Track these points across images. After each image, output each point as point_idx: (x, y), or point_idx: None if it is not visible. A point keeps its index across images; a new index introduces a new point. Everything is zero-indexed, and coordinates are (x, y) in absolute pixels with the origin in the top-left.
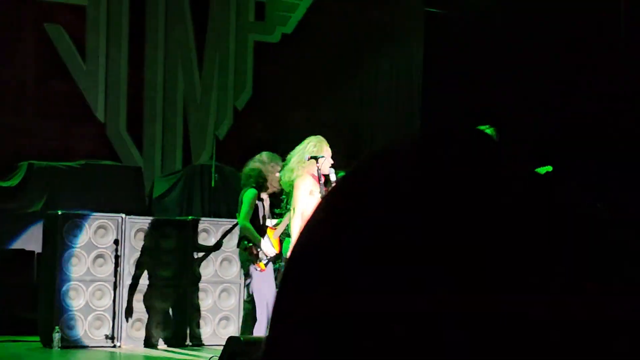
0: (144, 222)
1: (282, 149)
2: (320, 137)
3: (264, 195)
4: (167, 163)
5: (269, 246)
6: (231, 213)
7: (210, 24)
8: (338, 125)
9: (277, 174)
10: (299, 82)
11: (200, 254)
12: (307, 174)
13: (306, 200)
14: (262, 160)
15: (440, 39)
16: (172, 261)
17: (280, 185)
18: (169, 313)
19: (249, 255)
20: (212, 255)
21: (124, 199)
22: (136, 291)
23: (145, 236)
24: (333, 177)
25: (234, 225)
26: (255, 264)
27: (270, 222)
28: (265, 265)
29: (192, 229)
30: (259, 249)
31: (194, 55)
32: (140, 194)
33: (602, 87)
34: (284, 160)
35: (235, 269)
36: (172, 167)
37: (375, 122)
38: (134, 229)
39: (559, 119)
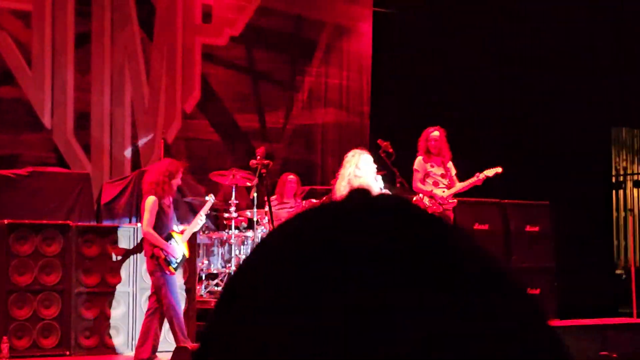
0: (92, 229)
1: (231, 152)
2: (357, 150)
3: (167, 201)
4: (116, 168)
5: (177, 249)
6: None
7: (156, 27)
8: (287, 127)
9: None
10: (247, 84)
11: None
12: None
13: None
14: (158, 167)
15: (389, 39)
16: (121, 267)
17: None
18: (120, 319)
19: (157, 261)
20: None
21: (72, 206)
22: (85, 299)
23: (93, 243)
24: (381, 184)
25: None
26: (165, 269)
27: (177, 228)
28: (175, 269)
29: (141, 235)
30: (166, 254)
31: (141, 58)
32: (89, 200)
33: (545, 86)
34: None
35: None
36: (121, 172)
37: (325, 123)
38: (82, 236)
39: (505, 118)
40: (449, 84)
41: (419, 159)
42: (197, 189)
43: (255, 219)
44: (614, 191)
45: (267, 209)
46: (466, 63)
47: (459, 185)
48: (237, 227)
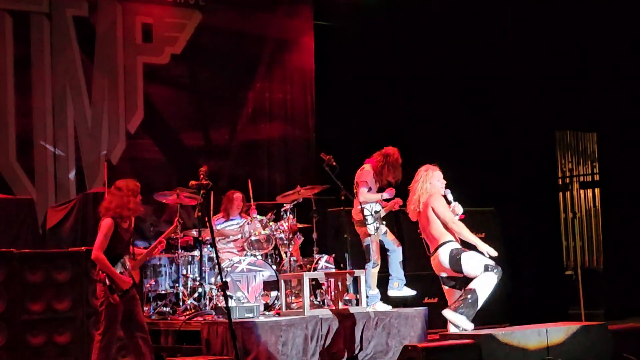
0: (36, 255)
1: (177, 171)
2: (429, 167)
3: (126, 224)
4: (61, 192)
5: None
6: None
7: (97, 48)
8: (232, 143)
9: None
10: (191, 102)
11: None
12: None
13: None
14: (119, 188)
15: (331, 52)
16: (67, 293)
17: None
18: (66, 346)
19: (103, 286)
20: None
21: (17, 232)
22: (31, 326)
23: (38, 269)
24: (450, 197)
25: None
26: (110, 297)
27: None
28: (120, 297)
29: (86, 260)
30: (112, 281)
31: (82, 80)
32: (34, 225)
33: (488, 91)
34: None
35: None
36: (66, 196)
37: (270, 137)
38: (27, 263)
39: (448, 124)
40: (391, 94)
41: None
42: (143, 209)
43: (200, 239)
44: (560, 193)
45: (210, 229)
46: (408, 72)
47: None
48: (183, 247)
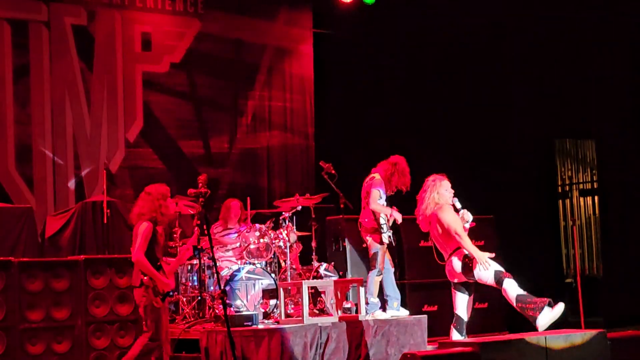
0: (35, 263)
1: (177, 179)
2: (437, 176)
3: (160, 229)
4: (60, 200)
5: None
6: (125, 248)
7: (96, 57)
8: (231, 152)
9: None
10: (190, 110)
11: (94, 293)
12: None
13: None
14: (149, 192)
15: (330, 60)
16: (66, 302)
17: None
18: (65, 355)
19: (145, 290)
20: (106, 293)
21: (16, 240)
22: (30, 334)
23: (37, 278)
24: (458, 205)
25: (128, 261)
26: (153, 299)
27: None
28: (162, 300)
29: (85, 268)
30: (154, 284)
31: (81, 88)
32: (33, 234)
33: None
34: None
35: (131, 306)
36: (65, 204)
37: (270, 145)
38: (25, 272)
39: (448, 132)
40: (391, 102)
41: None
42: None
43: (199, 247)
44: (560, 201)
45: (208, 237)
46: (408, 80)
47: None
48: None
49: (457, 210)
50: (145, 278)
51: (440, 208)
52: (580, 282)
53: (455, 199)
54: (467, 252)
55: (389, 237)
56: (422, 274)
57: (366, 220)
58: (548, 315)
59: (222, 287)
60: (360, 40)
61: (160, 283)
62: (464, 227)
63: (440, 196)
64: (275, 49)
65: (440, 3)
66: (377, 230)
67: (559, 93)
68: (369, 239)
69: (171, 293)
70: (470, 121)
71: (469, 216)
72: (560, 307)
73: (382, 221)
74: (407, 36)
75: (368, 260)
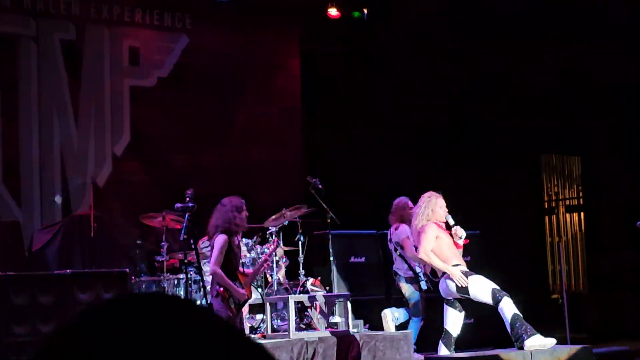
0: (22, 277)
1: (164, 193)
2: (433, 194)
3: (236, 241)
4: (47, 215)
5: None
6: (112, 264)
7: (84, 71)
8: (220, 167)
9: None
10: (179, 124)
11: (81, 307)
12: (432, 222)
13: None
14: (223, 204)
15: (318, 75)
16: (52, 316)
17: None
18: None
19: (221, 301)
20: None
21: (2, 254)
22: (17, 349)
23: (23, 292)
24: (451, 222)
25: (116, 275)
26: (228, 309)
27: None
28: (237, 310)
29: (72, 282)
30: (230, 295)
31: (69, 103)
32: (20, 248)
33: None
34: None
35: None
36: (52, 218)
37: (258, 160)
38: (12, 286)
39: (436, 149)
40: (378, 119)
41: (407, 228)
42: (128, 232)
43: (186, 261)
44: (546, 217)
45: (195, 252)
46: (395, 97)
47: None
48: (168, 270)
49: (450, 227)
50: (221, 289)
51: (425, 225)
52: (566, 297)
53: (449, 216)
54: (461, 271)
55: (427, 282)
56: None
57: (402, 269)
58: (539, 340)
59: (207, 302)
60: (348, 55)
61: (237, 293)
62: (456, 244)
63: (434, 213)
64: (263, 64)
65: (430, 17)
66: (414, 279)
67: (546, 109)
68: (409, 288)
69: (244, 303)
70: (458, 137)
71: (462, 232)
72: (552, 340)
73: (418, 270)
74: (395, 51)
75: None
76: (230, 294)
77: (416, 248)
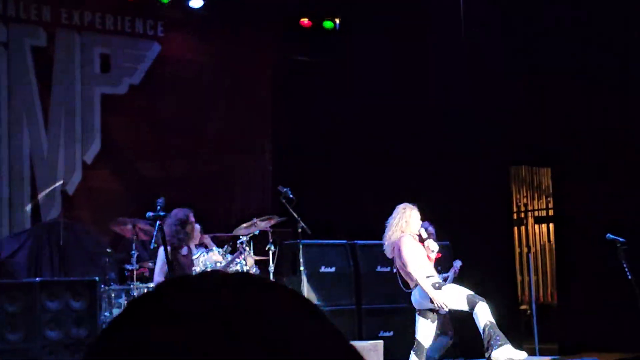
0: None
1: (134, 202)
2: (408, 205)
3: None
4: (17, 222)
5: None
6: (82, 272)
7: (54, 77)
8: (191, 176)
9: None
10: (149, 132)
11: (49, 316)
12: (408, 234)
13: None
14: (170, 216)
15: (290, 84)
16: (20, 324)
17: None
18: None
19: None
20: (61, 317)
21: None
22: None
23: None
24: (424, 235)
25: (85, 283)
26: None
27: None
28: None
29: (40, 290)
30: None
31: (39, 110)
32: None
33: (443, 126)
34: None
35: (86, 329)
36: (21, 226)
37: (229, 168)
38: None
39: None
40: (349, 130)
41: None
42: (98, 240)
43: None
44: (515, 228)
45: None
46: (366, 108)
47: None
48: (138, 279)
49: (422, 240)
50: None
51: (401, 238)
52: (535, 309)
53: (422, 229)
54: (433, 282)
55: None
56: (379, 300)
57: None
58: (508, 352)
59: None
60: (320, 65)
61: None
62: (429, 257)
63: (408, 225)
64: (235, 72)
65: (401, 29)
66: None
67: (515, 120)
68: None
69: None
70: (428, 149)
71: (434, 246)
72: (522, 354)
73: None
74: (366, 61)
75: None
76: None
77: (393, 259)
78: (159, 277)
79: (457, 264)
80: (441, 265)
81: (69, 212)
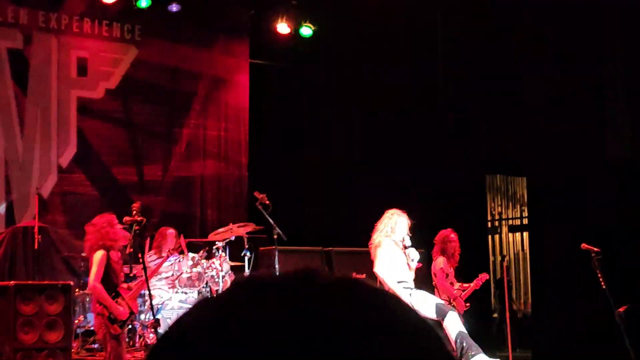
0: None
1: (109, 206)
2: (396, 212)
3: (115, 256)
4: None
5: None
6: (56, 276)
7: (30, 81)
8: (165, 180)
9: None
10: (124, 137)
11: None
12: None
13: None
14: (93, 224)
15: (266, 90)
16: None
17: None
18: None
19: (102, 318)
20: (35, 321)
21: None
22: None
23: None
24: (408, 243)
25: (59, 288)
26: (110, 327)
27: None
28: (120, 327)
29: (14, 294)
30: (110, 312)
31: (14, 113)
32: None
33: (419, 135)
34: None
35: (60, 333)
36: None
37: (204, 174)
38: None
39: (380, 167)
40: (326, 134)
41: (443, 260)
42: (73, 244)
43: (132, 275)
44: (489, 236)
45: (142, 265)
46: (343, 113)
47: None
48: None
49: (405, 248)
50: (99, 307)
51: (382, 242)
52: (509, 317)
53: (407, 237)
54: (404, 287)
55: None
56: None
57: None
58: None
59: (154, 316)
60: (296, 72)
61: (115, 311)
62: (408, 265)
63: (393, 231)
64: (211, 78)
65: (376, 36)
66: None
67: (491, 129)
68: None
69: (129, 320)
70: (403, 155)
71: (415, 255)
72: None
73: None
74: (343, 69)
75: None
76: (109, 310)
77: (372, 262)
78: (93, 281)
79: (483, 276)
80: (415, 272)
81: (44, 216)
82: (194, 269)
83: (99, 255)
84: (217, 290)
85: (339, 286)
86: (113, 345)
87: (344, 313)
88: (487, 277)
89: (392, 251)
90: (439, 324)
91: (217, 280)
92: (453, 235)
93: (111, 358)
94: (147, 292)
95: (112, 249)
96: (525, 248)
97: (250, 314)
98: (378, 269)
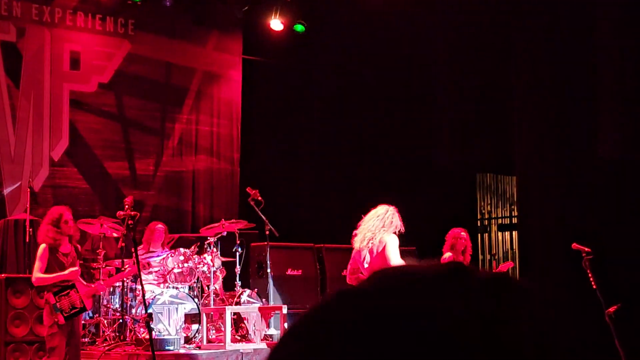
0: None
1: (101, 199)
2: (390, 208)
3: (65, 249)
4: None
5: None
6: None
7: (23, 74)
8: (156, 174)
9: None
10: (117, 131)
11: (14, 312)
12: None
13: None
14: (42, 218)
15: (258, 86)
16: None
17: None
18: None
19: (49, 310)
20: (27, 313)
21: None
22: None
23: None
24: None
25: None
26: (55, 316)
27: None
28: (66, 318)
29: (5, 287)
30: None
31: (7, 105)
32: None
33: (411, 132)
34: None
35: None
36: None
37: (196, 169)
38: None
39: (371, 163)
40: (318, 130)
41: (450, 256)
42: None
43: (123, 269)
44: (479, 234)
45: (134, 259)
46: (335, 109)
47: None
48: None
49: None
50: (47, 294)
51: (391, 237)
52: None
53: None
54: None
55: None
56: None
57: None
58: None
59: (146, 310)
60: (289, 68)
61: (63, 277)
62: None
63: (392, 225)
64: (204, 74)
65: (368, 33)
66: None
67: (481, 128)
68: None
69: (75, 314)
70: (394, 152)
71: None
72: None
73: None
74: (336, 65)
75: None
76: (50, 303)
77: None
78: (35, 274)
79: (508, 264)
80: None
81: (35, 209)
82: (185, 264)
83: (40, 249)
84: (208, 286)
85: (497, 283)
86: (53, 339)
87: (518, 311)
88: (512, 265)
89: (397, 246)
90: None
91: (208, 275)
92: (464, 234)
93: (49, 349)
94: (139, 287)
95: (57, 242)
96: (514, 247)
97: (437, 306)
98: (395, 263)
